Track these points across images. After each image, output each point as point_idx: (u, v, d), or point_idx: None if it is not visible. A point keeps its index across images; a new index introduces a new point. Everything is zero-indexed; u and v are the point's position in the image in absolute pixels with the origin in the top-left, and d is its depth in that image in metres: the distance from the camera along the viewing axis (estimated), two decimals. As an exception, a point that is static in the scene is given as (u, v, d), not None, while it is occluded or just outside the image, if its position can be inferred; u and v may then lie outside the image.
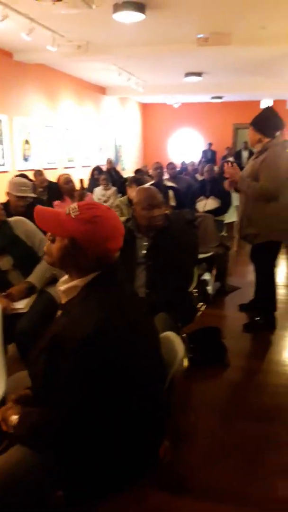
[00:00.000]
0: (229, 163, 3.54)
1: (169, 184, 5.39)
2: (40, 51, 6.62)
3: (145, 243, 2.48)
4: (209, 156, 13.11)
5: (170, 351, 1.61)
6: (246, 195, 3.40)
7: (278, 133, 3.37)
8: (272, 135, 3.35)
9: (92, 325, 1.23)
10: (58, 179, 4.73)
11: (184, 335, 2.58)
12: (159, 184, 5.29)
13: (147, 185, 4.00)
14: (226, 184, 3.61)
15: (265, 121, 3.37)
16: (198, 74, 8.86)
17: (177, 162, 12.76)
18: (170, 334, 1.67)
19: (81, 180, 4.19)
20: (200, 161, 11.44)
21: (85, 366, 1.22)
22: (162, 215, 2.42)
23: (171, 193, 5.20)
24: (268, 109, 3.40)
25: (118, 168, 12.09)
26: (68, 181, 4.76)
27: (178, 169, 10.90)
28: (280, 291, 4.59)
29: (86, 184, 8.59)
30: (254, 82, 9.83)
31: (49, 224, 1.41)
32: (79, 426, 1.23)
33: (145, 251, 2.46)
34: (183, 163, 11.29)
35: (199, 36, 5.89)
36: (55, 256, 1.39)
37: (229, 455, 2.19)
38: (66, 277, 1.45)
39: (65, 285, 1.40)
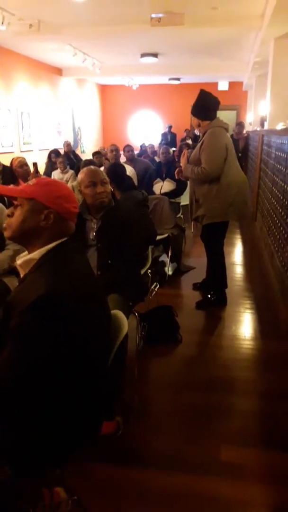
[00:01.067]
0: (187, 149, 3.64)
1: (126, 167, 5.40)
2: (-11, 30, 6.44)
3: (94, 225, 2.52)
4: (169, 139, 13.12)
5: (115, 327, 1.68)
6: (193, 180, 3.52)
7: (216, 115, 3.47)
8: (209, 117, 3.45)
9: (44, 287, 1.27)
10: (12, 163, 4.65)
11: (136, 313, 2.65)
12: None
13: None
14: (176, 173, 3.71)
15: (199, 105, 3.48)
16: (154, 55, 8.84)
17: (138, 144, 12.76)
18: (117, 312, 1.73)
19: (35, 164, 4.15)
20: (160, 144, 11.46)
21: (33, 328, 1.25)
22: (107, 192, 2.45)
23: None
24: (201, 93, 3.50)
25: (78, 151, 11.96)
26: (23, 164, 4.67)
27: (137, 151, 10.95)
28: (235, 270, 4.76)
29: (43, 167, 8.46)
30: (210, 63, 9.90)
31: (10, 190, 1.50)
32: (24, 387, 1.28)
33: (94, 233, 2.50)
34: (142, 146, 11.29)
35: (152, 16, 5.87)
36: (15, 226, 1.42)
37: (178, 425, 2.31)
38: (25, 253, 1.50)
39: (21, 259, 1.45)
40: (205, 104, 3.45)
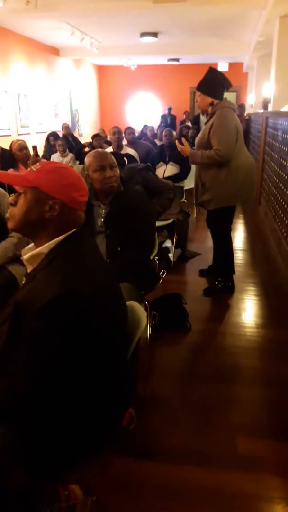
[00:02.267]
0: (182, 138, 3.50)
1: (128, 150, 5.27)
2: (-15, 7, 6.21)
3: (103, 211, 2.42)
4: (169, 121, 12.89)
5: (133, 320, 1.60)
6: (202, 164, 3.38)
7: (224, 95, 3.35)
8: (220, 96, 3.32)
9: (57, 288, 1.18)
10: (11, 146, 4.50)
11: (146, 302, 2.58)
12: (118, 150, 5.19)
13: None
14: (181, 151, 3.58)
15: (213, 83, 3.31)
16: (154, 34, 8.61)
17: (136, 126, 12.54)
18: (133, 303, 1.66)
19: (34, 147, 4.02)
20: (159, 126, 11.24)
21: (49, 330, 1.17)
22: (116, 177, 2.35)
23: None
24: (212, 70, 3.35)
25: (75, 133, 11.74)
26: (22, 147, 4.53)
27: (137, 134, 10.74)
28: (238, 255, 4.68)
29: (41, 151, 8.30)
30: (210, 43, 9.67)
31: (11, 178, 1.43)
32: (42, 394, 1.20)
33: (102, 220, 2.41)
34: (143, 128, 11.03)
35: (154, -7, 5.67)
36: (18, 217, 1.32)
37: (191, 417, 2.25)
38: (31, 245, 1.40)
39: (29, 253, 1.35)
40: (217, 82, 3.30)
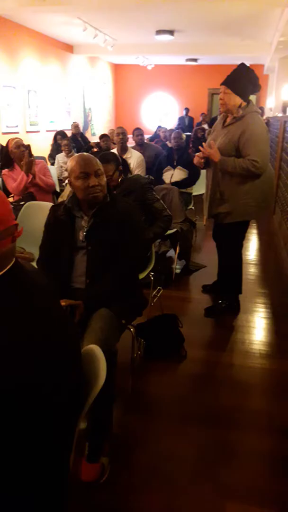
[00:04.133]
0: (209, 142, 3.07)
1: (133, 152, 4.94)
2: (-7, 0, 5.97)
3: (85, 224, 2.09)
4: (187, 123, 12.54)
5: (90, 369, 1.27)
6: (224, 172, 2.99)
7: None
8: (248, 99, 2.94)
9: None
10: (7, 144, 4.20)
11: (132, 329, 2.24)
12: (122, 152, 4.87)
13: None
14: (195, 160, 3.18)
15: (245, 82, 2.89)
16: (170, 32, 8.26)
17: (151, 128, 12.22)
18: (94, 349, 1.33)
19: (27, 146, 3.72)
20: (176, 128, 10.89)
21: None
22: (102, 186, 2.01)
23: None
24: (246, 66, 2.93)
25: (87, 133, 11.47)
26: (19, 145, 4.22)
27: (149, 135, 10.41)
28: (248, 270, 4.31)
29: (48, 150, 8.04)
30: (229, 43, 9.29)
31: None
32: None
33: (84, 233, 2.08)
34: (157, 129, 10.68)
35: (168, -14, 5.33)
36: None
37: (172, 472, 1.90)
38: None
39: None
40: (251, 81, 2.89)
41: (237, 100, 2.88)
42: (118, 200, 2.15)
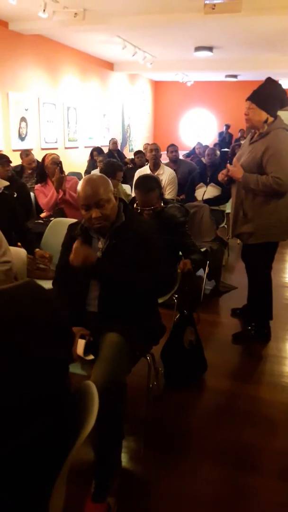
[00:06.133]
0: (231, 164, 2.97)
1: (165, 169, 4.86)
2: (35, 20, 6.12)
3: (101, 246, 2.01)
4: (227, 139, 12.40)
5: (83, 406, 1.16)
6: (248, 191, 2.87)
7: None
8: (275, 114, 2.82)
9: None
10: (44, 159, 4.20)
11: (148, 356, 2.11)
12: (155, 168, 4.80)
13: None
14: (220, 177, 3.07)
15: (272, 97, 2.78)
16: (209, 48, 8.21)
17: (189, 144, 12.14)
18: (90, 385, 1.22)
19: (59, 163, 3.71)
20: (216, 144, 10.74)
21: None
22: (106, 215, 1.90)
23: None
24: (272, 81, 2.81)
25: (126, 149, 11.54)
26: (55, 161, 4.22)
27: (186, 151, 10.33)
28: (282, 293, 4.09)
29: (85, 166, 8.11)
30: (270, 59, 9.12)
31: None
32: None
33: (100, 256, 1.99)
34: (197, 145, 10.54)
35: (206, 2, 5.27)
36: None
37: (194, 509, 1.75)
38: None
39: None
40: (277, 96, 2.78)
41: (263, 115, 2.76)
42: (135, 220, 2.05)
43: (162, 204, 2.85)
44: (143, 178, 2.89)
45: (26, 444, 0.95)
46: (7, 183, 3.38)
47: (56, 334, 1.05)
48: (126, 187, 5.26)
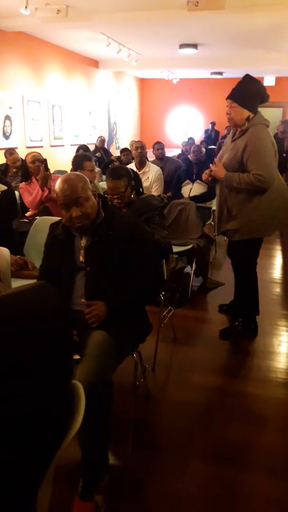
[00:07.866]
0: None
1: (151, 166, 4.85)
2: (17, 17, 6.04)
3: (84, 244, 1.99)
4: (213, 136, 12.42)
5: (70, 405, 1.15)
6: (231, 189, 2.87)
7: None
8: (256, 110, 2.82)
9: None
10: (25, 158, 4.17)
11: (135, 354, 2.10)
12: (141, 166, 4.78)
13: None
14: (204, 176, 3.07)
15: (252, 94, 2.79)
16: (194, 45, 8.20)
17: (177, 141, 12.13)
18: (77, 385, 1.20)
19: (43, 161, 3.67)
20: (202, 141, 10.76)
21: None
22: (86, 213, 1.89)
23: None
24: (251, 78, 2.83)
25: (112, 147, 11.50)
26: (35, 160, 4.16)
27: (174, 148, 10.32)
28: (270, 289, 4.12)
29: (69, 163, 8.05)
30: (254, 56, 9.15)
31: None
32: None
33: (83, 253, 1.97)
34: (183, 143, 10.55)
35: (189, -1, 5.26)
36: None
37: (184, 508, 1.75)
38: None
39: None
40: (257, 93, 2.78)
41: (245, 113, 2.76)
42: (117, 216, 2.03)
43: (134, 196, 2.77)
44: (114, 167, 2.85)
45: (11, 442, 0.94)
46: (5, 188, 3.35)
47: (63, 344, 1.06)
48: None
